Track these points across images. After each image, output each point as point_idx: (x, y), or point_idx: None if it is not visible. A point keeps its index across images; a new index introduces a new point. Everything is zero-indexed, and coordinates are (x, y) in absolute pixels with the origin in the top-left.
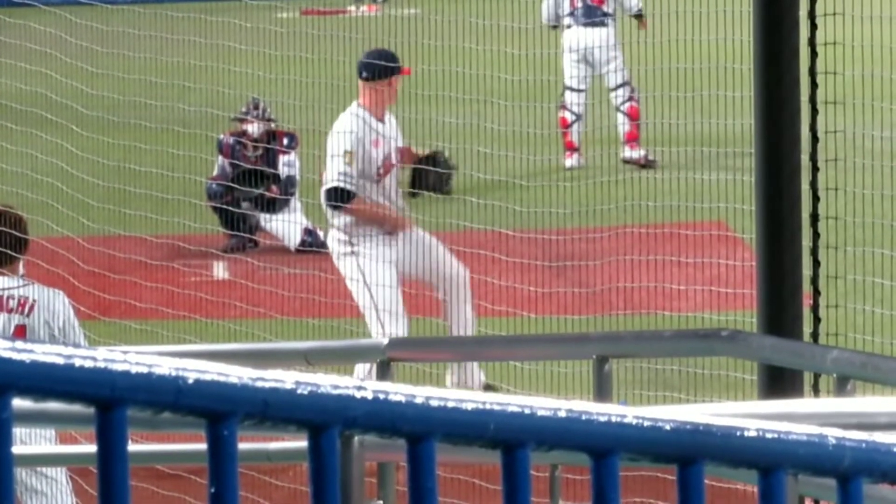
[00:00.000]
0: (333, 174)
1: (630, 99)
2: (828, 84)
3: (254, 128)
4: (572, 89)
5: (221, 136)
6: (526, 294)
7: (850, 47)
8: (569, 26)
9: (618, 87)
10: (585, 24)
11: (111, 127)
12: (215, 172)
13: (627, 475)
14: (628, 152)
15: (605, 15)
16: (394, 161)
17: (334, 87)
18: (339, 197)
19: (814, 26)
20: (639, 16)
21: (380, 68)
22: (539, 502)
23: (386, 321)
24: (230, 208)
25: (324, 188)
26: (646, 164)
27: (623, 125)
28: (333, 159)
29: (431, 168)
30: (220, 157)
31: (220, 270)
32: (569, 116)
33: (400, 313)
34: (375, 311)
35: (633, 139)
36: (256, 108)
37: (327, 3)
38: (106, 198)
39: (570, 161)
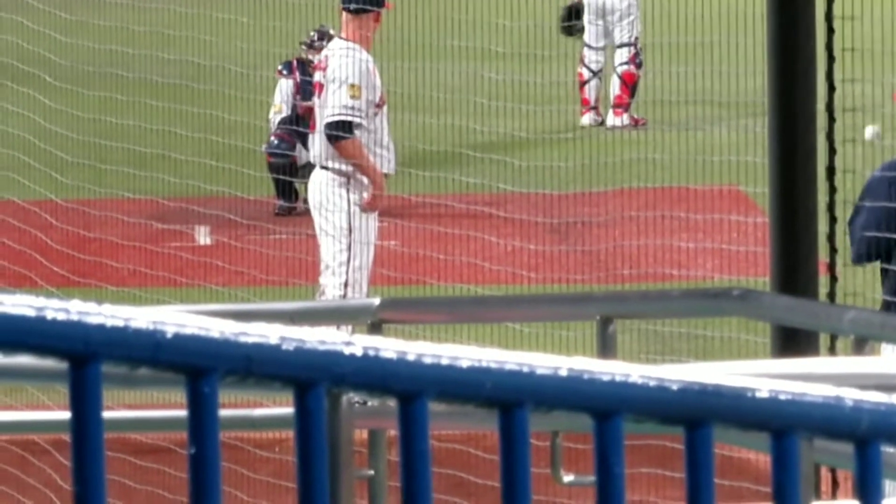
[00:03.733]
0: (338, 107)
1: (629, 62)
2: (845, 30)
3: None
4: (590, 46)
5: (280, 65)
6: (527, 256)
7: None
8: None
9: (622, 45)
10: None
11: (87, 78)
12: (277, 101)
13: (632, 444)
14: (612, 119)
15: None
16: (383, 94)
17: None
18: (343, 129)
19: None
20: None
21: (367, 2)
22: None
23: (352, 278)
24: (287, 178)
25: (326, 121)
26: (635, 126)
27: (614, 89)
28: (338, 92)
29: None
30: (286, 83)
31: (202, 235)
32: (585, 73)
33: (367, 269)
34: (346, 265)
35: (620, 105)
36: (322, 37)
37: None
38: (82, 153)
39: (586, 118)
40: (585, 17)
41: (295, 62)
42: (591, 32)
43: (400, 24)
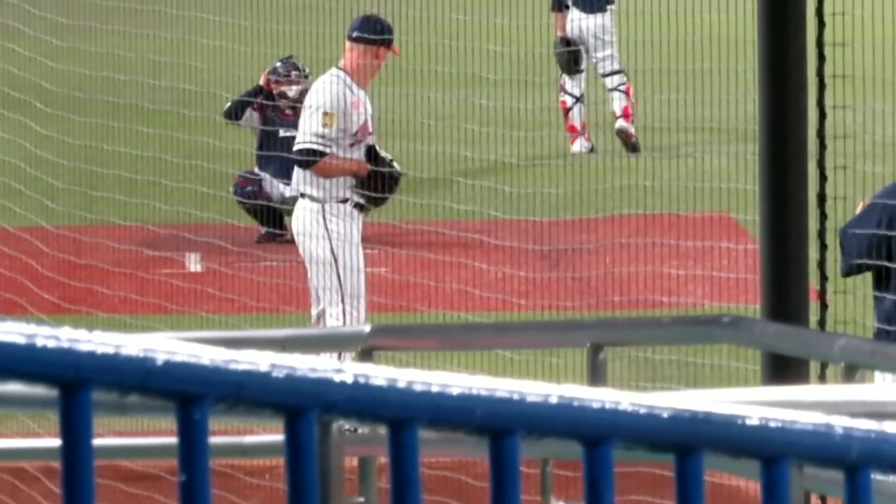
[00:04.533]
0: (308, 134)
1: (624, 83)
2: (836, 56)
3: (291, 90)
4: (569, 74)
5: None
6: (517, 283)
7: (859, 17)
8: (567, 8)
9: (611, 73)
10: (583, 10)
11: (78, 104)
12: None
13: (623, 471)
14: (621, 123)
15: (607, 1)
16: (370, 129)
17: (312, 61)
18: (311, 157)
19: None
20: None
21: (374, 32)
22: (530, 499)
23: (349, 306)
24: (263, 203)
25: (296, 148)
26: (634, 149)
27: (619, 100)
28: (311, 118)
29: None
30: (252, 113)
31: (193, 262)
32: (568, 100)
33: (363, 297)
34: (341, 294)
35: (628, 114)
36: (296, 68)
37: None
38: (72, 180)
39: (576, 146)
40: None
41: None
42: (570, 59)
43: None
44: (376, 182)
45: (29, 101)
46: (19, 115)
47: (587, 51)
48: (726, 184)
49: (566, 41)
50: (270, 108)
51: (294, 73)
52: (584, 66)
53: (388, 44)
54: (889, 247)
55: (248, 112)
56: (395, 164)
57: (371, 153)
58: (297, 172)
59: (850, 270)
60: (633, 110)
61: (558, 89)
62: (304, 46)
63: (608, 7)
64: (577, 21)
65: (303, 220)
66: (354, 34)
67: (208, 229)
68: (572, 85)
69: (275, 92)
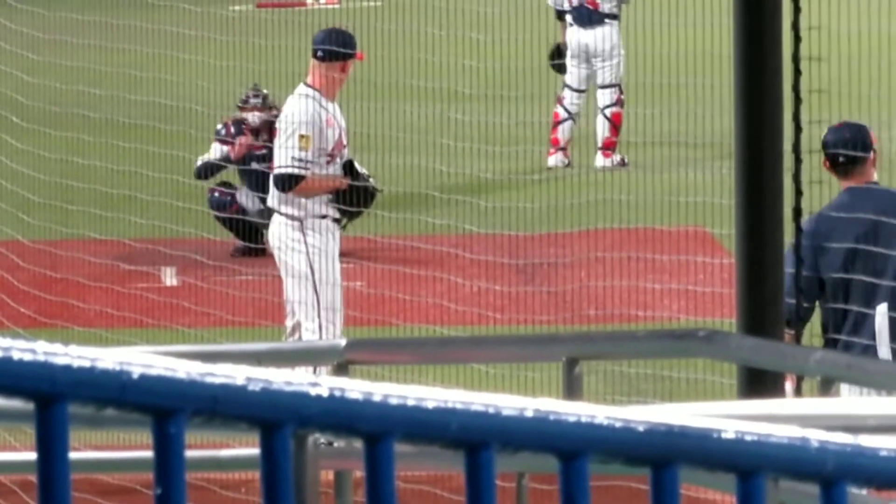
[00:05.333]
0: (286, 159)
1: (616, 104)
2: (812, 71)
3: (253, 117)
4: (571, 88)
5: (219, 126)
6: (492, 297)
7: (835, 32)
8: (570, 25)
9: (607, 85)
10: (583, 26)
11: (54, 119)
12: (213, 156)
13: (599, 485)
14: (601, 160)
15: (605, 16)
16: (344, 142)
17: (290, 76)
18: (291, 183)
19: (797, 10)
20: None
21: (339, 46)
22: None
23: (325, 320)
24: (237, 216)
25: (275, 172)
26: (623, 164)
27: (602, 131)
28: (288, 142)
29: (356, 183)
30: (221, 147)
31: (169, 276)
32: (561, 113)
33: (339, 311)
34: (317, 308)
35: (609, 147)
36: (257, 95)
37: None
38: (48, 194)
39: (552, 159)
40: (568, 59)
41: (230, 123)
42: (573, 75)
43: (366, 64)
44: (353, 196)
45: (5, 116)
46: None
47: (592, 65)
48: (702, 198)
49: (558, 50)
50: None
51: (253, 99)
52: (574, 83)
53: (353, 55)
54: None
55: (219, 147)
56: (371, 179)
57: (347, 167)
58: (273, 190)
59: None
60: (618, 135)
61: (556, 100)
62: (281, 61)
63: (607, 21)
64: (579, 36)
65: (279, 234)
66: (319, 51)
67: (184, 243)
68: (571, 102)
69: (238, 119)
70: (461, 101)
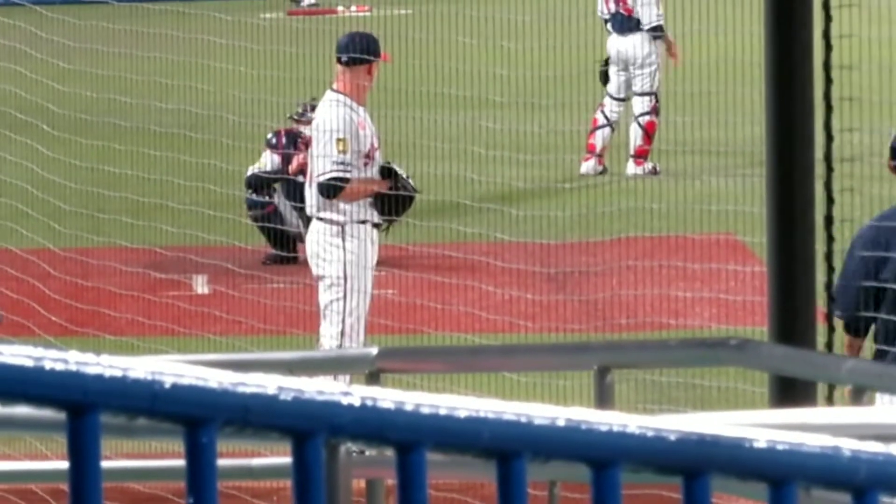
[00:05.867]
0: (328, 164)
1: (650, 112)
2: (843, 79)
3: (309, 130)
4: (612, 97)
5: (270, 135)
6: (524, 305)
7: (866, 41)
8: (610, 32)
9: (642, 93)
10: (619, 32)
11: (84, 127)
12: (267, 167)
13: (630, 493)
14: (633, 168)
15: (639, 22)
16: (376, 145)
17: (321, 84)
18: (336, 188)
19: (828, 18)
20: (657, 33)
21: (363, 51)
22: None
23: (349, 327)
24: (272, 225)
25: (318, 181)
26: (655, 174)
27: (635, 139)
28: (325, 148)
29: (392, 192)
30: (273, 157)
31: (200, 284)
32: (600, 119)
33: (363, 319)
34: (342, 315)
35: (641, 155)
36: (313, 109)
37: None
38: (79, 202)
39: (585, 166)
40: (611, 68)
41: (283, 133)
42: (614, 83)
43: (397, 73)
44: (393, 199)
45: (36, 124)
46: (26, 138)
47: (625, 69)
48: (733, 206)
49: (607, 61)
50: (291, 155)
51: (309, 113)
52: (615, 91)
53: (378, 58)
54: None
55: (270, 155)
56: (410, 180)
57: (385, 170)
58: (315, 195)
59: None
60: (651, 143)
61: (597, 107)
62: (312, 69)
63: (641, 28)
64: (616, 44)
65: (318, 240)
66: (344, 57)
67: (215, 251)
68: (611, 110)
69: (293, 131)
70: (492, 110)
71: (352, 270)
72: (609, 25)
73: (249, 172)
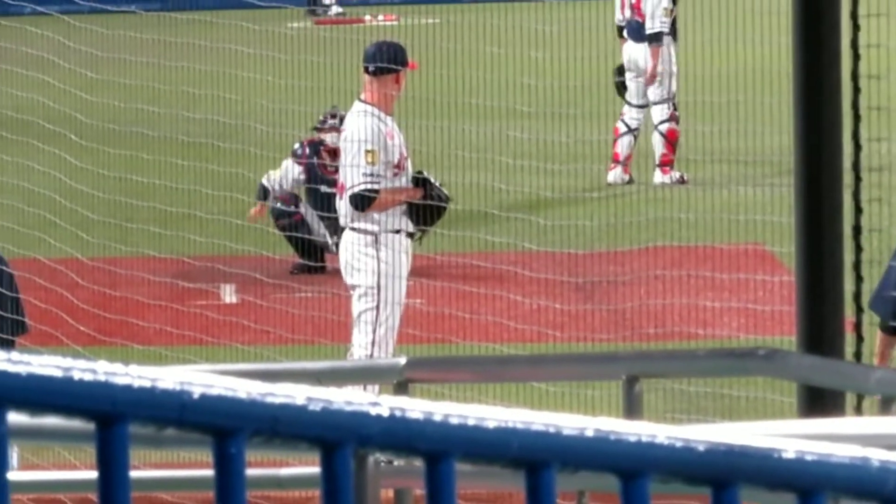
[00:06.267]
0: (357, 177)
1: (670, 119)
2: (871, 89)
3: (332, 138)
4: (629, 104)
5: (296, 146)
6: (552, 314)
7: (895, 50)
8: (625, 39)
9: (659, 102)
10: (635, 40)
11: (112, 137)
12: (286, 184)
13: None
14: (659, 177)
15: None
16: (405, 154)
17: (349, 94)
18: (367, 200)
19: (856, 27)
20: (652, 39)
21: (390, 61)
22: None
23: (379, 337)
24: (299, 235)
25: (349, 193)
26: (682, 181)
27: (658, 147)
28: (355, 160)
29: (424, 202)
30: (294, 166)
31: (228, 294)
32: (621, 127)
33: (395, 330)
34: (374, 324)
35: (666, 163)
36: (334, 116)
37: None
38: (107, 212)
39: (612, 175)
40: (627, 75)
41: (306, 144)
42: (632, 90)
43: (425, 83)
44: (425, 208)
45: (64, 134)
46: (54, 148)
47: (640, 76)
48: (761, 216)
49: (621, 68)
50: (315, 164)
51: (331, 120)
52: (632, 97)
53: (405, 67)
54: None
55: (292, 165)
56: (443, 188)
57: (417, 179)
58: (348, 206)
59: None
60: (675, 151)
61: (619, 116)
62: (340, 78)
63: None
64: (630, 50)
65: (351, 250)
66: (372, 66)
67: (243, 261)
68: (630, 117)
69: (315, 140)
70: (520, 119)
71: (385, 280)
72: (624, 32)
73: (268, 182)
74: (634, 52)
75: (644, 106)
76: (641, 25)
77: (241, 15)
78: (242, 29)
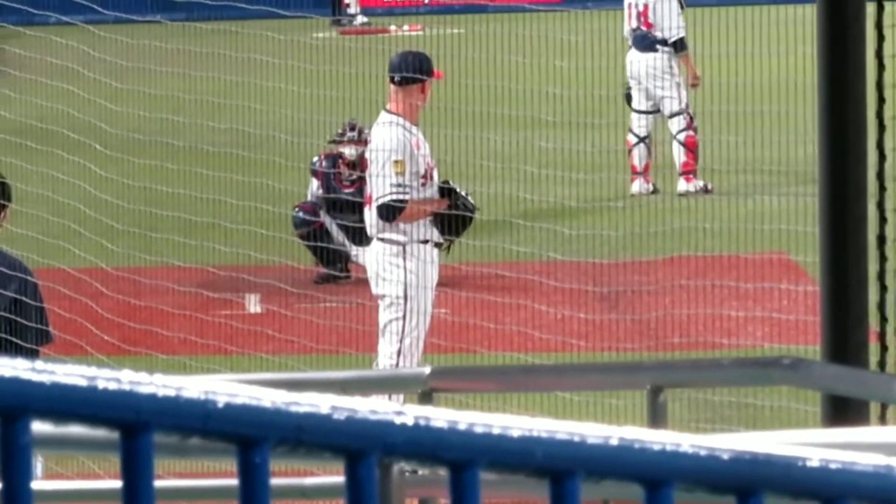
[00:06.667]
0: (385, 188)
1: (687, 128)
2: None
3: (350, 150)
4: (635, 110)
5: (315, 159)
6: (577, 324)
7: None
8: (630, 48)
9: (673, 114)
10: (639, 49)
11: (137, 146)
12: (308, 198)
13: None
14: (683, 185)
15: (657, 41)
16: (432, 164)
17: (374, 104)
18: (395, 211)
19: (881, 37)
20: (679, 46)
21: (416, 70)
22: None
23: (406, 347)
24: (321, 244)
25: (377, 203)
26: (706, 190)
27: (679, 156)
28: (383, 170)
29: (451, 212)
30: (314, 181)
31: (253, 304)
32: (632, 138)
33: (422, 340)
34: (401, 335)
35: (688, 171)
36: (353, 129)
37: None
38: (132, 221)
39: (635, 186)
40: (630, 83)
41: (323, 157)
42: (635, 98)
43: (450, 92)
44: (452, 218)
45: (88, 143)
46: (79, 157)
47: (649, 91)
48: (785, 225)
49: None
50: (331, 176)
51: (349, 133)
52: (638, 105)
53: (431, 75)
54: None
55: (311, 180)
56: (469, 197)
57: (443, 189)
58: (375, 216)
59: None
60: (696, 159)
61: (628, 128)
62: (365, 88)
63: (658, 47)
64: (634, 61)
65: (379, 260)
66: (397, 76)
67: (268, 271)
68: (638, 125)
69: (333, 153)
70: (545, 129)
71: (412, 291)
72: (630, 41)
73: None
74: (637, 62)
75: (649, 112)
76: (645, 35)
77: (265, 25)
78: (267, 39)
